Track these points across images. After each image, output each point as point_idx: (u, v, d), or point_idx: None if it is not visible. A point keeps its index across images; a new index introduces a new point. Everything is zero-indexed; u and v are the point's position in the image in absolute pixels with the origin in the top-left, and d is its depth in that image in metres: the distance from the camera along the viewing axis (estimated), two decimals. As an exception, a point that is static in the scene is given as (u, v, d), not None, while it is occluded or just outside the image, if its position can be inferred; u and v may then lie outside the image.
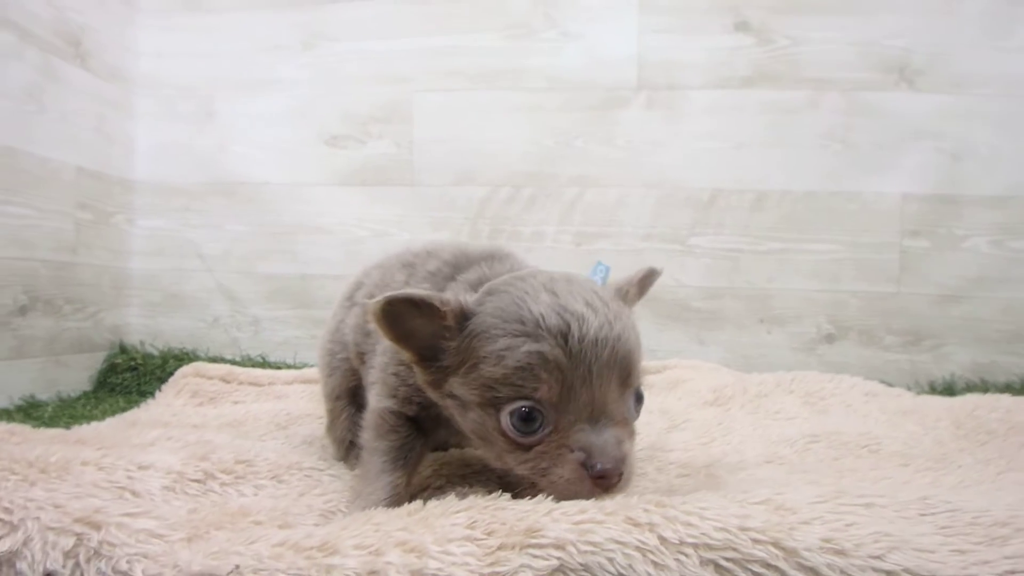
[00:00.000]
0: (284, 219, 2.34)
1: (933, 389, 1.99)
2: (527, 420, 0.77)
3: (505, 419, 0.78)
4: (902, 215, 2.12)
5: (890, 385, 1.74)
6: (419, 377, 0.85)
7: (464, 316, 0.81)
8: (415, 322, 0.80)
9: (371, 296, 0.92)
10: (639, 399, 0.83)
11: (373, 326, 0.82)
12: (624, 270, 2.14)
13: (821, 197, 2.15)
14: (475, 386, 0.80)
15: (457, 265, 0.97)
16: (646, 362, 1.90)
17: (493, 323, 0.78)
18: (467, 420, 0.83)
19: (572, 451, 0.77)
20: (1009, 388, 1.91)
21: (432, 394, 0.86)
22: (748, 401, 1.54)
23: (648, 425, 1.39)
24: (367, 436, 0.94)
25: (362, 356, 1.06)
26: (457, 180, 2.28)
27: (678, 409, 1.52)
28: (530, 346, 0.76)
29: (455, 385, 0.82)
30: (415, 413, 0.92)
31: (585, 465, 0.76)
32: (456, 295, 0.83)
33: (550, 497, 0.76)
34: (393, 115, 2.30)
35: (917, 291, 2.12)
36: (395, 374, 0.93)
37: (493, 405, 0.79)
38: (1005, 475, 1.02)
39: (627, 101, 2.21)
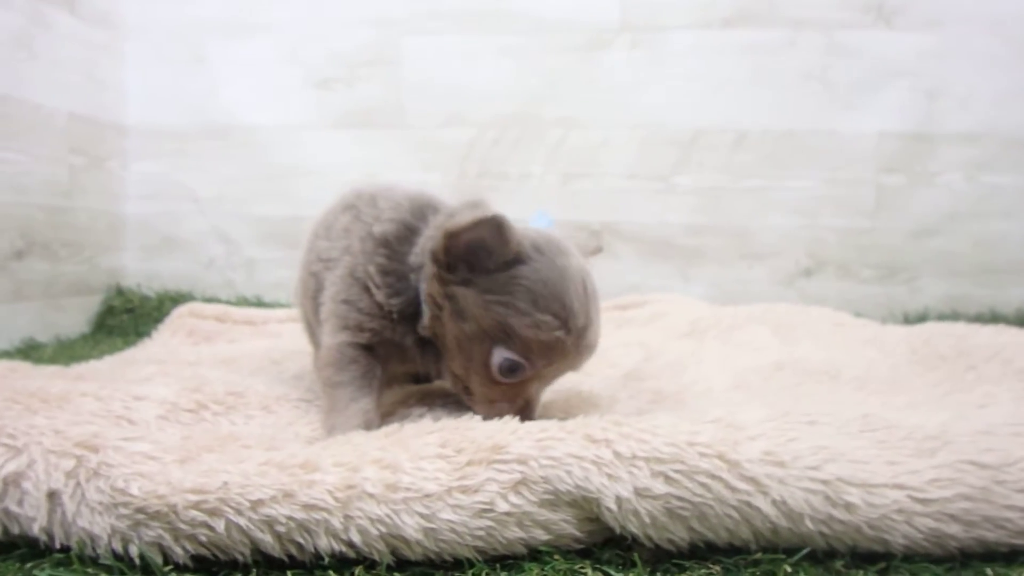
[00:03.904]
0: (276, 161, 2.36)
1: (907, 320, 2.05)
2: (512, 371, 0.89)
3: (497, 358, 0.88)
4: (878, 152, 2.16)
5: (864, 318, 1.80)
6: (429, 268, 0.91)
7: (518, 259, 0.87)
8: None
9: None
10: None
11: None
12: (609, 209, 2.21)
13: (800, 135, 2.18)
14: (492, 318, 0.86)
15: (415, 209, 0.99)
16: (624, 299, 1.96)
17: (541, 291, 0.86)
18: (455, 325, 0.90)
19: (521, 399, 0.91)
20: (979, 318, 1.96)
21: (431, 284, 0.91)
22: (721, 332, 1.59)
23: (627, 356, 1.45)
24: (328, 373, 0.97)
25: (310, 288, 1.10)
26: (445, 122, 2.30)
27: (656, 341, 1.57)
28: (560, 334, 0.86)
29: (468, 297, 0.87)
30: (367, 341, 0.96)
31: (520, 411, 0.90)
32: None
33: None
34: (381, 57, 2.31)
35: (892, 226, 2.16)
36: (345, 300, 0.97)
37: (494, 340, 0.87)
38: (949, 396, 1.09)
39: (610, 43, 2.23)
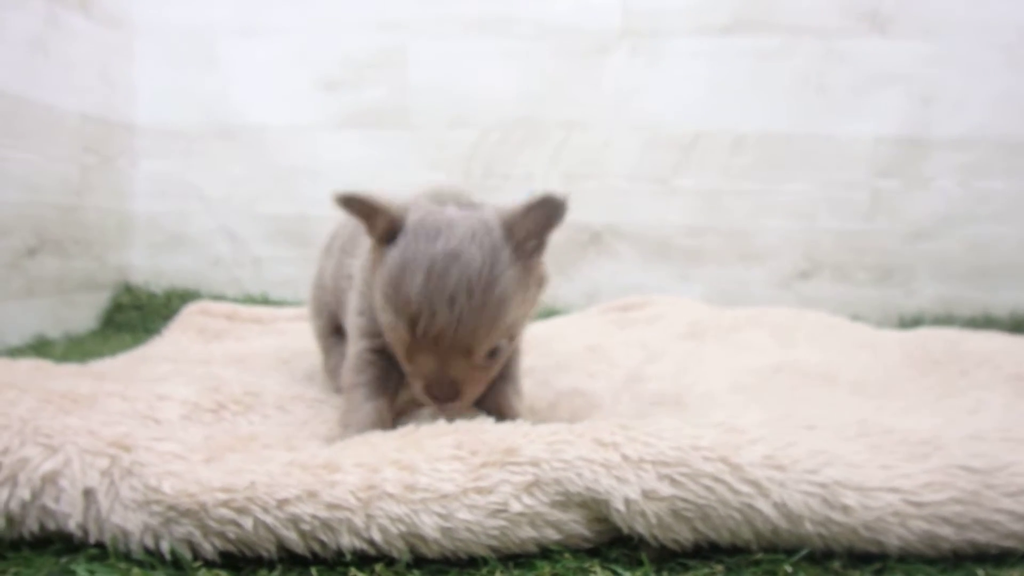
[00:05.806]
0: (283, 161, 2.39)
1: (902, 322, 2.08)
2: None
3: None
4: (874, 157, 2.20)
5: (861, 319, 1.84)
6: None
7: (390, 234, 0.88)
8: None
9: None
10: (492, 352, 0.89)
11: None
12: (611, 210, 2.24)
13: (797, 139, 2.22)
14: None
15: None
16: (626, 300, 1.96)
17: (388, 274, 0.86)
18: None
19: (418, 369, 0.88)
20: (973, 320, 2.01)
21: (372, 246, 0.93)
22: (721, 334, 1.62)
23: (628, 357, 1.48)
24: (348, 377, 1.01)
25: (341, 301, 1.15)
26: (450, 124, 2.33)
27: (656, 342, 1.60)
28: (391, 319, 0.86)
29: (377, 262, 0.90)
30: (383, 346, 0.99)
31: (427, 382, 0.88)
32: (411, 208, 0.89)
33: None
34: (388, 61, 2.34)
35: (888, 229, 2.20)
36: (360, 312, 1.01)
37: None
38: (943, 400, 1.12)
39: (612, 48, 2.26)
